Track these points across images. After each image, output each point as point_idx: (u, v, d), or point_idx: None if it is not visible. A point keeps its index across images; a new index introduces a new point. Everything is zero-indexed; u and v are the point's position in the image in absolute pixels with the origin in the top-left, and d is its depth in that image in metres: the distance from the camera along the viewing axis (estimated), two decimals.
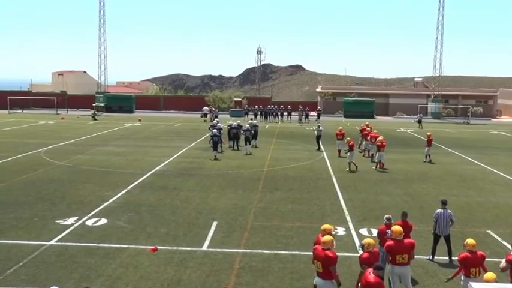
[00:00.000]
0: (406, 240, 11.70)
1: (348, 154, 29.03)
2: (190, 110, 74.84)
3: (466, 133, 53.74)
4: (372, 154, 32.23)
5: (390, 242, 11.66)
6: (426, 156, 32.54)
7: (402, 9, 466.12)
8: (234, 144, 36.23)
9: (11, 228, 16.82)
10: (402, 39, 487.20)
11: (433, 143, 33.25)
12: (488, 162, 32.24)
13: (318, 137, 36.91)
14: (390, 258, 11.55)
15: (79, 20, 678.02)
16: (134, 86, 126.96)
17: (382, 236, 12.82)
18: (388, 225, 12.90)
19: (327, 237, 10.84)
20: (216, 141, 32.38)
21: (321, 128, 37.21)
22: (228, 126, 37.18)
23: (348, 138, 29.85)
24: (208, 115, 62.57)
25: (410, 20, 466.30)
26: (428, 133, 33.84)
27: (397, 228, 11.83)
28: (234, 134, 36.18)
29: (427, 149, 32.65)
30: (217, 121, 39.74)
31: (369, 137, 33.56)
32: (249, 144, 34.98)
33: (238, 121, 38.92)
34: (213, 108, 66.80)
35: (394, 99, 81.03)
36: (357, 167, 28.50)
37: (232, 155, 33.37)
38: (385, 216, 13.33)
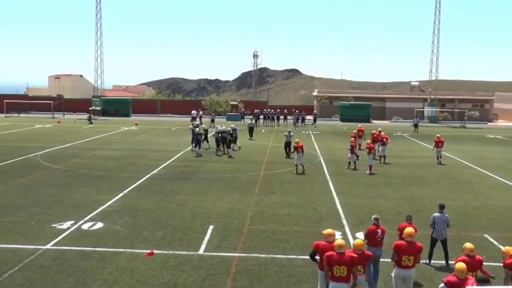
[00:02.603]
0: (417, 244, 11.72)
1: (296, 156, 28.83)
2: (186, 113, 74.75)
3: (463, 137, 53.82)
4: (384, 156, 33.05)
5: (401, 242, 11.68)
6: (438, 158, 33.67)
7: (398, 13, 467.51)
8: (224, 148, 36.42)
9: (7, 232, 16.77)
10: (398, 44, 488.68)
11: (442, 144, 34.13)
12: (484, 166, 32.29)
13: (287, 143, 34.52)
14: (396, 258, 11.55)
15: (76, 24, 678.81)
16: (131, 90, 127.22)
17: (372, 236, 12.84)
18: (377, 225, 12.97)
19: (342, 241, 10.83)
20: (199, 140, 35.01)
21: (291, 133, 35.53)
22: (216, 131, 37.55)
23: (297, 140, 29.91)
24: (199, 118, 62.88)
25: (407, 24, 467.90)
26: (438, 135, 35.18)
27: (410, 229, 11.86)
28: (222, 138, 36.29)
29: (435, 149, 33.87)
30: (197, 124, 40.85)
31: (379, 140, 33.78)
32: (228, 147, 35.54)
33: (224, 127, 38.58)
34: (201, 112, 67.17)
35: (390, 103, 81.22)
36: (304, 170, 28.55)
37: (228, 159, 33.37)
38: (373, 216, 13.39)
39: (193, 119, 62.49)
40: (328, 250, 10.88)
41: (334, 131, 57.88)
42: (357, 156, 31.22)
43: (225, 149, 36.11)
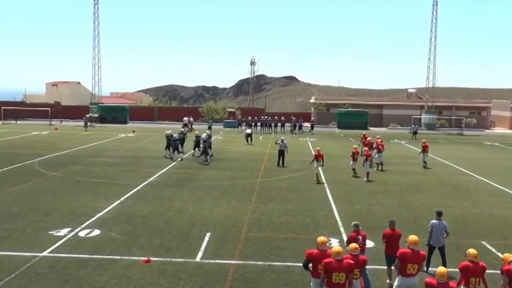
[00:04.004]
0: (421, 252, 11.78)
1: (315, 164, 28.72)
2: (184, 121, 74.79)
3: (460, 144, 53.87)
4: (381, 163, 33.21)
5: (406, 250, 11.69)
6: (425, 162, 35.39)
7: (395, 20, 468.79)
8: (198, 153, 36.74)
9: (3, 240, 16.71)
10: (395, 51, 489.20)
11: (428, 149, 36.03)
12: (482, 173, 32.31)
13: (281, 152, 33.94)
14: (400, 266, 11.54)
15: (73, 31, 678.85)
16: (128, 97, 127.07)
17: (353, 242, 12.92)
18: (357, 232, 13.12)
19: (339, 248, 10.81)
20: (177, 145, 36.00)
21: (284, 141, 34.66)
22: (196, 137, 38.20)
23: (318, 148, 29.84)
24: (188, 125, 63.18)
25: (404, 32, 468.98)
26: (423, 140, 37.30)
27: (413, 237, 11.90)
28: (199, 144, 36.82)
29: (422, 154, 35.61)
30: (182, 131, 40.96)
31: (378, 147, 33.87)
32: (202, 154, 35.33)
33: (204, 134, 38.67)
34: (191, 118, 67.26)
35: (387, 110, 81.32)
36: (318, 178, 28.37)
37: (225, 166, 33.34)
38: (353, 223, 13.55)
39: (185, 125, 62.66)
40: (321, 258, 10.91)
41: (332, 138, 57.88)
42: (370, 166, 30.80)
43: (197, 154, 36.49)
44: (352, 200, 23.91)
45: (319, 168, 28.89)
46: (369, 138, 37.68)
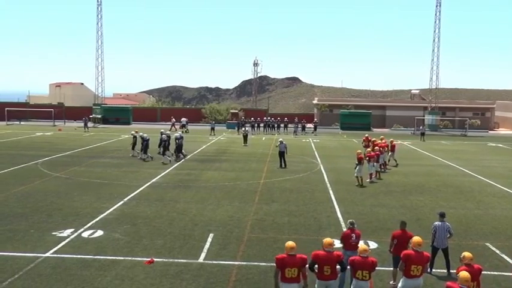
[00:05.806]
0: (425, 253, 11.77)
1: (357, 168, 27.92)
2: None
3: (464, 145, 53.76)
4: (381, 165, 32.80)
5: (409, 251, 11.69)
6: (389, 160, 35.15)
7: (399, 21, 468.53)
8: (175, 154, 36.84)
9: (6, 240, 16.72)
10: (399, 52, 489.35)
11: (396, 148, 36.80)
12: (485, 174, 32.24)
13: (281, 153, 33.82)
14: (404, 268, 11.52)
15: (77, 32, 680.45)
16: (131, 98, 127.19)
17: (346, 240, 13.16)
18: (352, 230, 13.30)
19: (292, 243, 10.98)
20: (147, 146, 36.10)
21: (284, 142, 34.46)
22: (174, 137, 37.96)
23: (359, 151, 29.46)
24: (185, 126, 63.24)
25: (407, 33, 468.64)
26: (391, 139, 37.56)
27: (417, 238, 11.92)
28: (179, 145, 37.01)
29: (390, 153, 35.55)
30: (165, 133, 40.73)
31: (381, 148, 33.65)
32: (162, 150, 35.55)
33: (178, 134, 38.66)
34: (173, 119, 66.60)
35: (390, 112, 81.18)
36: (362, 182, 27.75)
37: (228, 167, 33.33)
38: (348, 220, 13.82)
39: (183, 126, 62.61)
40: (327, 259, 11.05)
41: (335, 139, 57.84)
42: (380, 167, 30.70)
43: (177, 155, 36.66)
44: (355, 200, 23.88)
45: (361, 171, 27.85)
46: (373, 139, 37.47)
